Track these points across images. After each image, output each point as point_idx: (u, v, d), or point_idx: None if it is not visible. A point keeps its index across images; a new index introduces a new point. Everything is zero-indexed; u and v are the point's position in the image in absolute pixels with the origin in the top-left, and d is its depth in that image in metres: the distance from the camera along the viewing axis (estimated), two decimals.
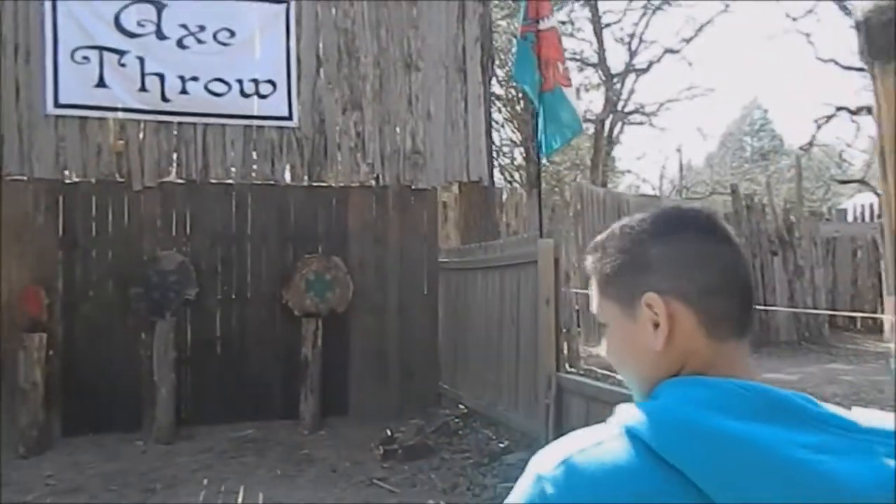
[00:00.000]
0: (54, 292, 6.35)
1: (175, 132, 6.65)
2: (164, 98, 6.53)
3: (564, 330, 6.13)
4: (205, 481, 5.30)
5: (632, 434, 0.75)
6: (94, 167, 6.43)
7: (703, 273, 0.82)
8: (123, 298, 6.45)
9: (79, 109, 6.40)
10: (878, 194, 11.63)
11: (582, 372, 7.17)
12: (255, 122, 6.76)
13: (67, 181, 6.46)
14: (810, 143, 16.66)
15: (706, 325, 0.81)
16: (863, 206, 13.36)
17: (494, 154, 10.74)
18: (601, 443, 0.77)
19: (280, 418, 6.69)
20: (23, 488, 5.22)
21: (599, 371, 7.18)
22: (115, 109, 6.47)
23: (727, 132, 37.21)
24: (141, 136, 6.58)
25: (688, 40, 18.80)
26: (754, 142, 37.04)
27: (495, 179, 10.23)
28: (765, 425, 0.70)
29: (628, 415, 0.77)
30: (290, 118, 6.83)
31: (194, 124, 6.62)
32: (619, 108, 18.82)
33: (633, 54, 18.64)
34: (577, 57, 18.30)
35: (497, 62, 12.20)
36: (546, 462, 0.78)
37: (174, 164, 6.69)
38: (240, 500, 4.93)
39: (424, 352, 7.07)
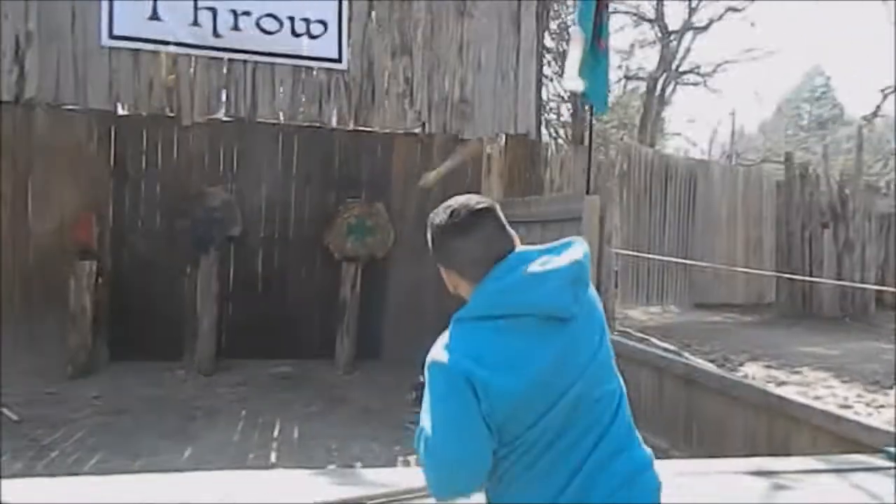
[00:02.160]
0: (105, 222, 6.52)
1: (225, 69, 6.65)
2: (215, 33, 6.51)
3: (603, 289, 6.08)
4: (242, 412, 5.48)
5: (461, 320, 1.38)
6: (145, 100, 6.49)
7: (461, 255, 1.42)
8: (170, 231, 6.59)
9: (132, 42, 6.42)
10: None
11: (617, 333, 7.13)
12: (305, 63, 6.72)
13: (119, 113, 6.55)
14: (874, 114, 15.97)
15: (470, 280, 1.42)
16: None
17: (542, 109, 10.53)
18: (466, 331, 1.36)
19: (315, 358, 6.84)
20: (72, 407, 5.47)
21: (635, 333, 7.14)
22: (168, 43, 6.48)
23: (785, 98, 35.87)
24: (192, 71, 6.59)
25: None
26: (813, 109, 35.66)
27: (541, 135, 10.07)
28: (519, 268, 1.36)
29: (464, 312, 1.38)
30: (339, 60, 6.76)
31: (244, 62, 6.61)
32: (674, 67, 18.21)
33: (692, 11, 17.92)
34: (634, 12, 17.69)
35: (551, 14, 11.87)
36: (439, 356, 1.34)
37: (223, 102, 6.72)
38: (276, 433, 5.09)
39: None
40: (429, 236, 1.43)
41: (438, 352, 1.35)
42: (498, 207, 1.43)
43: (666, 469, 1.97)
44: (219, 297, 6.56)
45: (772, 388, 3.65)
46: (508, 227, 1.42)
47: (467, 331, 1.35)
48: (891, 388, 5.53)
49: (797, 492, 1.72)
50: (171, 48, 6.50)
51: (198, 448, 4.71)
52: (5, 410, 5.26)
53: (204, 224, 6.57)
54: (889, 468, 1.85)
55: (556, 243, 1.40)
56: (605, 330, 1.44)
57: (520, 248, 1.40)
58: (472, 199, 1.41)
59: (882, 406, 5.05)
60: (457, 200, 1.41)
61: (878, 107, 15.51)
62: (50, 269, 6.39)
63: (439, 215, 1.41)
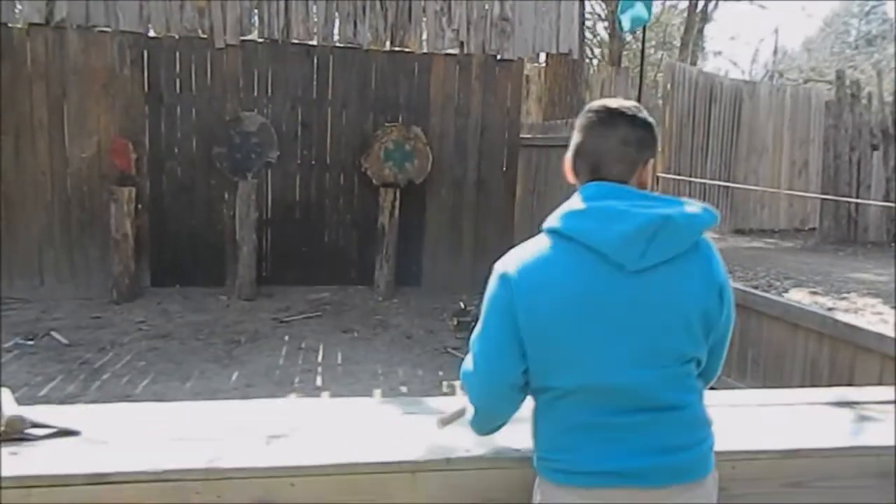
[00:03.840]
0: (141, 147, 6.48)
1: None
2: None
3: None
4: (286, 337, 5.54)
5: (549, 231, 1.31)
6: (177, 22, 6.33)
7: (575, 144, 1.37)
8: (207, 157, 6.54)
9: None
10: None
11: None
12: None
13: (151, 35, 6.40)
14: None
15: (575, 172, 1.38)
16: None
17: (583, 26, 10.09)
18: (530, 243, 1.33)
19: (355, 284, 6.86)
20: (118, 331, 5.58)
21: None
22: None
23: (832, 14, 34.06)
24: None
25: None
26: (862, 25, 33.87)
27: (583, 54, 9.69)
28: (609, 200, 1.28)
29: (546, 223, 1.32)
30: None
31: None
32: None
33: None
34: None
35: None
36: (502, 265, 1.32)
37: (256, 23, 6.52)
38: (319, 358, 5.15)
39: (500, 227, 7.01)
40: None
41: (503, 259, 1.34)
42: (655, 129, 1.35)
43: (744, 399, 1.90)
44: (258, 223, 6.56)
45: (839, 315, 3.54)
46: (637, 151, 1.32)
47: (536, 243, 1.32)
48: None
49: (886, 424, 1.64)
50: None
51: (244, 372, 4.79)
52: (54, 334, 5.39)
53: (241, 149, 6.50)
54: None
55: (672, 197, 1.32)
56: (695, 328, 1.29)
57: (629, 184, 1.32)
58: (633, 104, 1.35)
59: None
60: (606, 100, 1.38)
61: None
62: (89, 196, 6.42)
63: (588, 104, 1.40)
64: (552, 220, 1.31)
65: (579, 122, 1.37)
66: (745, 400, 1.82)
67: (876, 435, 1.63)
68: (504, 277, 1.29)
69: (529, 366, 1.28)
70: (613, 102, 1.36)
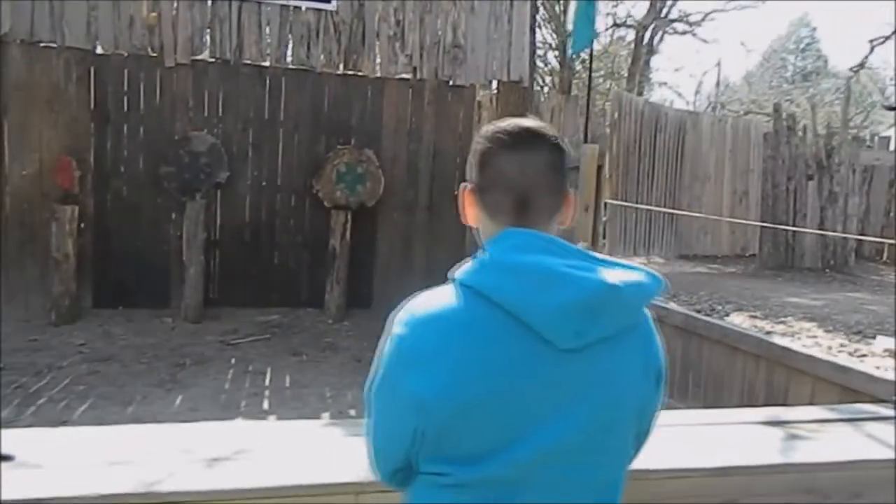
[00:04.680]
0: (86, 165, 6.33)
1: (209, 8, 6.41)
2: None
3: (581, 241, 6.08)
4: (233, 360, 5.45)
5: (461, 285, 1.03)
6: (126, 39, 6.25)
7: (484, 175, 1.10)
8: (154, 176, 6.43)
9: None
10: None
11: None
12: (292, 3, 6.49)
13: (99, 52, 6.30)
14: (861, 65, 15.92)
15: (486, 210, 1.10)
16: None
17: (534, 56, 10.32)
18: (440, 295, 1.05)
19: (305, 306, 6.80)
20: (57, 354, 5.39)
21: None
22: None
23: (770, 49, 35.64)
24: (174, 9, 6.35)
25: None
26: (797, 61, 35.52)
27: (533, 82, 9.90)
28: (542, 255, 1.02)
29: (459, 270, 1.05)
30: (328, 1, 6.54)
31: (229, 1, 6.37)
32: (663, 15, 17.94)
33: None
34: None
35: None
36: (399, 324, 1.05)
37: (208, 42, 6.49)
38: (267, 381, 5.07)
39: (451, 251, 7.03)
40: (472, 151, 1.13)
41: (403, 318, 1.06)
42: (566, 149, 1.12)
43: (679, 419, 1.97)
44: (206, 244, 6.46)
45: (774, 338, 3.68)
46: (564, 181, 1.12)
47: (446, 299, 1.04)
48: (873, 337, 5.64)
49: (812, 442, 1.72)
50: None
51: (189, 395, 4.68)
52: None
53: (190, 169, 6.41)
54: None
55: (609, 258, 1.08)
56: (628, 423, 1.08)
57: (553, 230, 1.09)
58: (536, 122, 1.13)
59: (865, 355, 5.16)
60: (517, 119, 1.13)
61: (866, 58, 15.45)
62: (29, 215, 6.23)
63: (489, 126, 1.13)
64: (468, 274, 1.04)
65: (484, 146, 1.10)
66: (678, 420, 1.88)
67: (804, 452, 1.70)
68: (402, 340, 1.03)
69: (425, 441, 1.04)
70: (528, 122, 1.12)
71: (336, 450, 1.56)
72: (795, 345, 3.48)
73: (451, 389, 0.98)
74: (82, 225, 6.27)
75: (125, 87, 6.41)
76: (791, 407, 1.97)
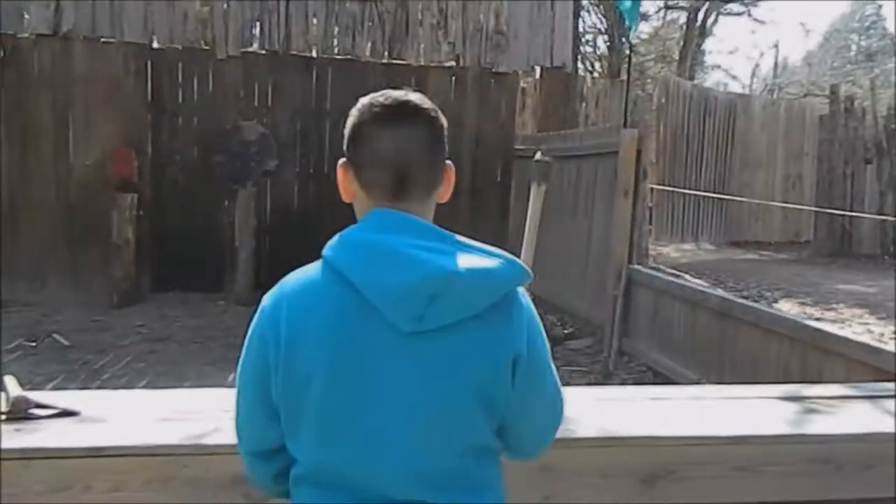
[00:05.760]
0: (143, 155, 6.63)
1: (258, 2, 6.60)
2: None
3: (637, 225, 6.06)
4: None
5: (324, 259, 1.03)
6: (180, 33, 6.51)
7: (361, 152, 1.06)
8: (207, 165, 6.68)
9: None
10: None
11: (649, 268, 7.13)
12: None
13: (155, 46, 6.57)
14: None
15: (364, 188, 1.07)
16: None
17: (578, 41, 10.27)
18: (305, 271, 1.06)
19: None
20: (118, 334, 5.69)
21: (667, 269, 7.13)
22: None
23: (832, 28, 34.33)
24: (225, 4, 6.57)
25: None
26: (861, 40, 34.10)
27: (577, 68, 9.85)
28: (393, 234, 0.99)
29: (326, 246, 1.04)
30: None
31: None
32: None
33: None
34: None
35: None
36: (266, 297, 1.08)
37: (257, 35, 6.69)
38: None
39: (494, 235, 7.10)
40: (346, 124, 1.09)
41: (272, 290, 1.08)
42: (443, 121, 1.09)
43: (701, 392, 2.02)
44: (256, 230, 6.69)
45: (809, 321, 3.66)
46: (443, 155, 1.09)
47: (308, 271, 1.06)
48: None
49: (829, 416, 1.76)
50: None
51: None
52: (56, 336, 5.52)
53: (240, 158, 6.64)
54: None
55: (472, 242, 1.04)
56: (474, 409, 1.02)
57: (420, 214, 1.05)
58: (413, 94, 1.08)
59: None
60: (391, 91, 1.08)
61: None
62: (92, 203, 6.56)
63: (364, 99, 1.08)
64: (329, 248, 1.03)
65: (359, 120, 1.06)
66: (701, 393, 1.94)
67: (821, 425, 1.74)
68: (264, 313, 1.06)
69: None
70: (402, 94, 1.07)
71: None
72: (830, 327, 3.45)
73: (294, 356, 0.99)
74: (141, 212, 6.57)
75: (179, 80, 6.67)
76: (810, 384, 2.00)
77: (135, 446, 1.43)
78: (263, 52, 6.73)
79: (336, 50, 6.82)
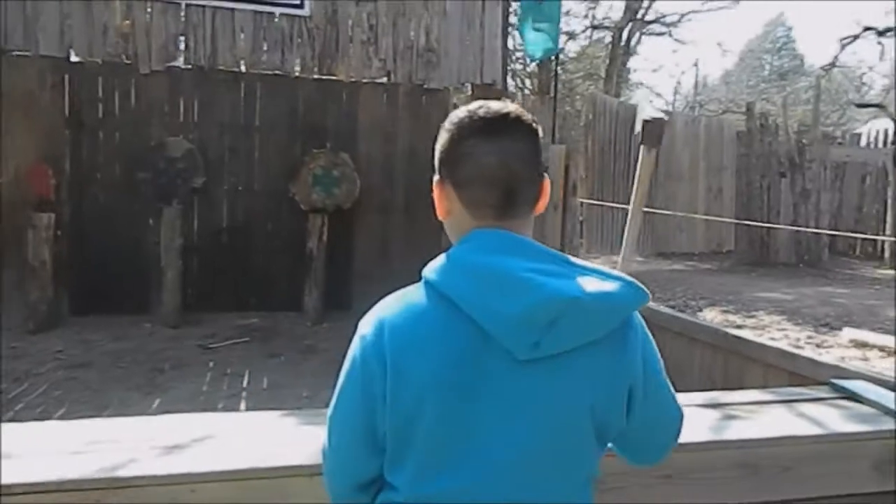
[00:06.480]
0: (61, 172, 6.36)
1: (183, 15, 6.46)
2: None
3: (567, 240, 6.18)
4: (210, 363, 5.49)
5: (427, 283, 0.98)
6: (100, 47, 6.29)
7: (462, 169, 1.01)
8: (131, 182, 6.46)
9: None
10: (894, 120, 11.42)
11: None
12: (266, 9, 6.56)
13: (73, 60, 6.33)
14: (832, 64, 16.20)
15: (468, 207, 1.02)
16: (878, 131, 13.14)
17: (508, 58, 10.44)
18: (405, 295, 1.01)
19: (284, 310, 6.85)
20: (35, 361, 5.42)
21: None
22: None
23: (747, 49, 36.09)
24: (148, 17, 6.40)
25: None
26: (774, 60, 35.97)
27: (508, 85, 10.01)
28: (507, 257, 0.95)
29: (428, 269, 1.00)
30: (301, 6, 6.61)
31: (203, 7, 6.42)
32: (639, 16, 18.15)
33: None
34: None
35: None
36: (365, 324, 1.02)
37: (182, 49, 6.54)
38: (245, 383, 5.13)
39: (428, 251, 7.10)
40: (438, 140, 1.04)
41: (368, 316, 1.04)
42: (542, 132, 1.05)
43: None
44: (183, 249, 6.50)
45: (729, 330, 3.80)
46: (541, 171, 1.05)
47: (411, 297, 1.00)
48: (840, 329, 5.79)
49: (747, 421, 1.82)
50: None
51: (166, 399, 4.72)
52: None
53: (166, 175, 6.45)
54: (832, 398, 1.98)
55: (587, 263, 1.00)
56: (586, 438, 1.00)
57: (522, 233, 1.01)
58: (512, 105, 1.03)
59: (831, 346, 5.30)
60: (487, 102, 1.03)
61: (836, 57, 15.73)
62: (6, 222, 6.24)
63: (458, 112, 1.03)
64: (433, 271, 0.99)
65: (458, 134, 1.01)
66: None
67: (738, 430, 1.80)
68: (366, 341, 1.00)
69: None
70: (501, 105, 1.03)
71: (292, 437, 1.63)
72: (748, 334, 3.60)
73: (401, 387, 0.95)
74: (59, 232, 6.29)
75: (100, 95, 6.44)
76: (729, 391, 2.07)
77: (44, 482, 1.35)
78: (189, 66, 6.58)
79: (265, 65, 6.73)
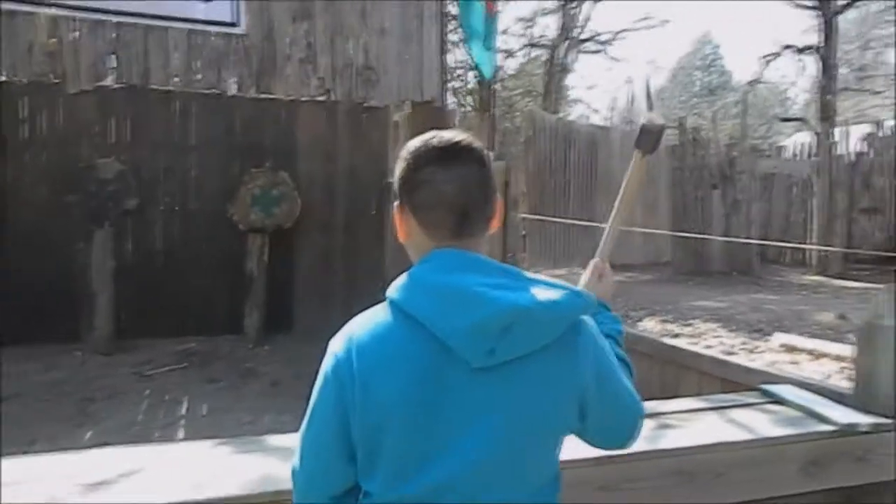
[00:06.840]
0: None
1: (114, 34, 6.31)
2: None
3: (510, 254, 6.24)
4: (147, 391, 5.31)
5: (391, 302, 1.06)
6: (24, 66, 6.08)
7: (420, 195, 1.08)
8: (59, 205, 6.23)
9: (5, 2, 5.97)
10: (817, 133, 11.98)
11: None
12: (199, 27, 6.46)
13: None
14: (757, 80, 16.92)
15: (426, 229, 1.09)
16: (801, 144, 13.77)
17: (447, 76, 10.54)
18: (374, 315, 1.08)
19: (224, 333, 6.68)
20: None
21: None
22: (45, 4, 6.07)
23: (678, 66, 37.38)
24: (76, 35, 6.22)
25: None
26: (704, 77, 37.35)
27: (448, 102, 10.10)
28: (463, 274, 1.03)
29: (391, 288, 1.07)
30: (236, 24, 6.54)
31: (134, 25, 6.29)
32: (574, 35, 18.60)
33: None
34: None
35: None
36: (335, 343, 1.09)
37: (113, 68, 6.38)
38: (183, 410, 4.97)
39: (371, 270, 7.10)
40: (396, 168, 1.11)
41: (338, 334, 1.11)
42: (490, 157, 1.14)
43: None
44: (116, 272, 6.28)
45: (665, 339, 3.89)
46: (493, 192, 1.13)
47: (376, 316, 1.08)
48: (770, 335, 6.00)
49: (681, 430, 1.86)
50: (50, 10, 6.09)
51: (99, 430, 4.53)
52: None
53: (97, 197, 6.24)
54: (762, 403, 2.04)
55: (534, 276, 1.09)
56: (545, 439, 1.08)
57: (478, 252, 1.09)
58: (461, 133, 1.12)
59: (763, 351, 5.49)
60: (439, 132, 1.11)
61: (760, 73, 16.45)
62: None
63: (414, 142, 1.11)
64: (396, 290, 1.07)
65: (415, 162, 1.08)
66: None
67: (673, 439, 1.84)
68: (337, 358, 1.07)
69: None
70: (453, 134, 1.11)
71: (225, 467, 1.59)
72: (682, 343, 3.69)
73: (368, 401, 1.02)
74: None
75: (26, 115, 6.20)
76: (664, 400, 2.12)
77: None
78: (121, 85, 6.41)
79: (200, 83, 6.62)
